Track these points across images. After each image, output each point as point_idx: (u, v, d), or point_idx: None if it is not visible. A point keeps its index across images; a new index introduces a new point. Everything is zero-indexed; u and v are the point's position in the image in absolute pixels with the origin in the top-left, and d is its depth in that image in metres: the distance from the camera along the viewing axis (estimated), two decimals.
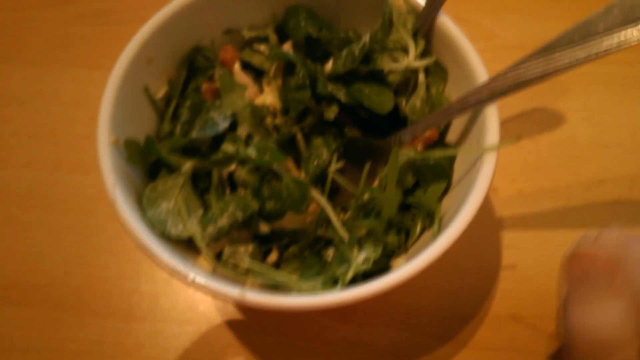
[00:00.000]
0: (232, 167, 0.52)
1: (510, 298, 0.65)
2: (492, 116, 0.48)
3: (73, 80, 0.81)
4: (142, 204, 0.49)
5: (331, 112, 0.58)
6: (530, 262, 0.68)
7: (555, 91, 0.80)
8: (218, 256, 0.54)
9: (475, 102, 0.48)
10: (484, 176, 0.46)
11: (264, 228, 0.53)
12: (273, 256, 0.55)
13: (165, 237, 0.48)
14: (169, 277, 0.66)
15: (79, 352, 0.63)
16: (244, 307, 0.64)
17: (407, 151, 0.51)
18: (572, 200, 0.71)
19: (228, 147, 0.53)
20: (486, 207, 0.71)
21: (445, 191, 0.53)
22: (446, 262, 0.45)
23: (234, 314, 0.64)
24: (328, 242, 0.55)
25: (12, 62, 0.82)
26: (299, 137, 0.59)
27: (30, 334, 0.64)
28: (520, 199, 0.71)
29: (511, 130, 0.76)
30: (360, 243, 0.49)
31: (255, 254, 0.54)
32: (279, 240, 0.55)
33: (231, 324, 0.64)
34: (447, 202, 0.51)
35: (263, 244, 0.57)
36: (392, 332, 0.63)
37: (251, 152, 0.51)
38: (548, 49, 0.43)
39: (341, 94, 0.56)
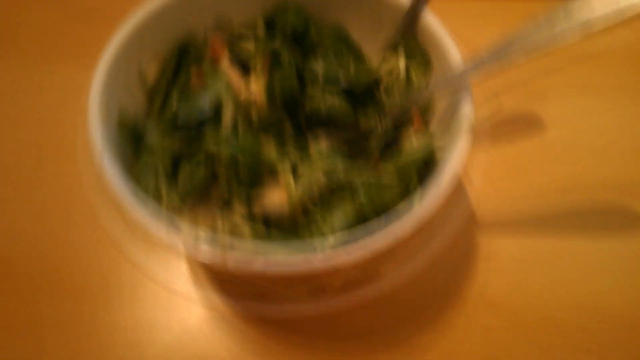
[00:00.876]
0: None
1: (487, 286, 0.66)
2: (466, 99, 0.51)
3: (59, 78, 0.82)
4: (134, 173, 0.51)
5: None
6: (507, 257, 0.69)
7: (533, 97, 0.83)
8: None
9: (450, 84, 0.51)
10: (457, 148, 0.48)
11: (238, 212, 0.55)
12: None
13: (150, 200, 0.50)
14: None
15: (55, 329, 0.62)
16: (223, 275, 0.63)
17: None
18: (548, 200, 0.73)
19: (209, 141, 0.55)
20: (466, 206, 0.73)
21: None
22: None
23: (215, 300, 0.65)
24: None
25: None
26: (287, 125, 0.61)
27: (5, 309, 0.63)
28: (499, 200, 0.73)
29: (493, 134, 0.79)
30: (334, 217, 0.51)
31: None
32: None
33: (212, 313, 0.64)
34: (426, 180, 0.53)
35: None
36: (369, 314, 0.63)
37: (232, 147, 0.53)
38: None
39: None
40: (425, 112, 0.58)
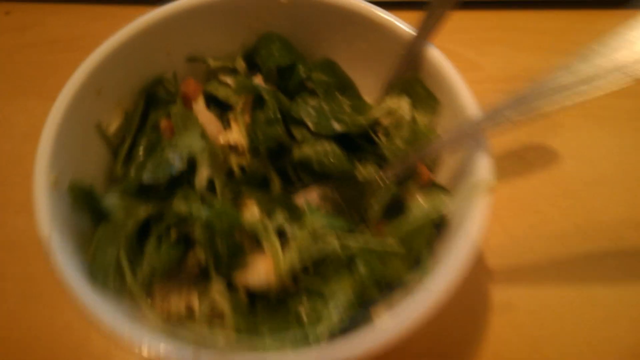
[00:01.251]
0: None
1: (503, 343, 0.59)
2: (483, 152, 0.43)
3: (24, 111, 0.74)
4: (90, 248, 0.43)
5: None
6: (523, 310, 0.62)
7: (547, 128, 0.76)
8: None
9: (464, 135, 0.43)
10: (476, 217, 0.40)
11: (217, 287, 0.47)
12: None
13: (109, 291, 0.42)
14: None
15: None
16: None
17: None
18: (564, 241, 0.66)
19: (180, 206, 0.46)
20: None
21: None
22: None
23: None
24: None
25: None
26: (274, 176, 0.53)
27: None
28: (511, 241, 0.66)
29: (503, 168, 0.72)
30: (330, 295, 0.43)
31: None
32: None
33: None
34: (437, 247, 0.46)
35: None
36: None
37: (207, 214, 0.45)
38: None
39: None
40: (432, 163, 0.51)
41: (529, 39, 0.85)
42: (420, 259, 0.44)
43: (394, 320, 0.37)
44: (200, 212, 0.44)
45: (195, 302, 0.46)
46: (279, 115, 0.51)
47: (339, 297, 0.43)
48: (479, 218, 0.40)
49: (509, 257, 0.64)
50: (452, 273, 0.38)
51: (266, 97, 0.52)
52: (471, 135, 0.43)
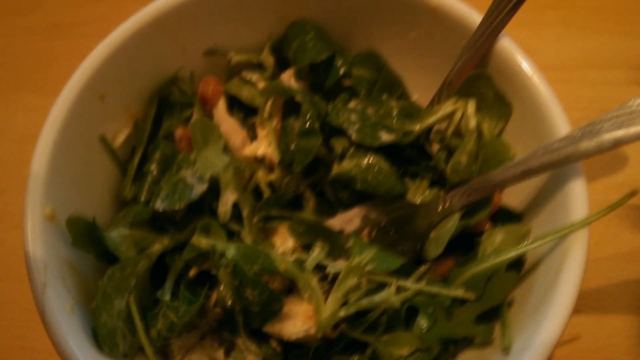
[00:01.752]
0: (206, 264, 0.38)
1: None
2: (578, 185, 0.34)
3: (23, 109, 0.66)
4: (95, 301, 0.35)
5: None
6: (590, 337, 0.54)
7: None
8: None
9: (553, 159, 0.35)
10: (572, 268, 0.32)
11: (246, 342, 0.39)
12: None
13: (118, 355, 0.34)
14: None
15: None
16: None
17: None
18: (631, 257, 0.57)
19: (201, 242, 0.39)
20: None
21: None
22: None
23: None
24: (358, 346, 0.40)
25: None
26: (308, 195, 0.45)
27: None
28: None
29: None
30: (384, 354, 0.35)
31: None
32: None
33: None
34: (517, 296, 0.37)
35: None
36: None
37: (234, 255, 0.37)
38: None
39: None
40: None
41: (589, 20, 0.74)
42: (498, 313, 0.36)
43: None
44: (226, 250, 0.36)
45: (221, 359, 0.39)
46: (316, 125, 0.42)
47: (393, 356, 0.35)
48: (577, 261, 0.32)
49: None
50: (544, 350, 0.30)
51: (301, 101, 0.43)
52: (562, 159, 0.34)
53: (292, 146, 0.43)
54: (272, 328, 0.38)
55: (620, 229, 0.58)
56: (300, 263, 0.38)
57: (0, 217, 0.60)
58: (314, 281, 0.38)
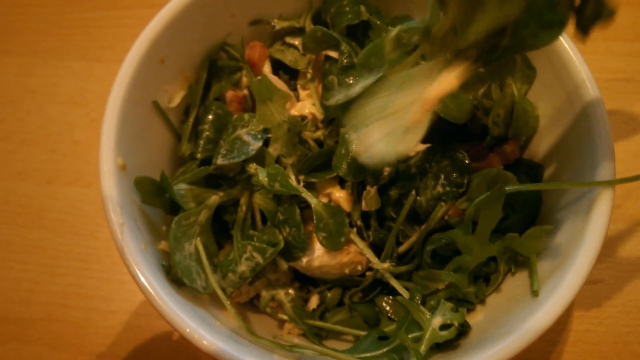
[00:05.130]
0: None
1: (585, 342, 0.55)
2: (603, 149, 0.37)
3: (71, 75, 0.70)
4: (169, 244, 0.39)
5: None
6: (609, 299, 0.57)
7: (631, 92, 0.68)
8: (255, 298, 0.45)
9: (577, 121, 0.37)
10: (597, 221, 0.35)
11: (283, 266, 0.43)
12: (314, 302, 0.45)
13: (192, 289, 0.39)
14: None
15: None
16: None
17: (513, 184, 0.40)
18: None
19: (251, 167, 0.43)
20: None
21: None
22: None
23: None
24: (384, 285, 0.44)
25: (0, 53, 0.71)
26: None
27: None
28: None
29: None
30: (426, 300, 0.39)
31: (297, 299, 0.44)
32: (317, 283, 0.45)
33: None
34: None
35: (303, 285, 0.47)
36: None
37: (262, 178, 0.41)
38: None
39: None
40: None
41: None
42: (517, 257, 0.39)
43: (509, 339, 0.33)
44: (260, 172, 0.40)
45: (263, 292, 0.43)
46: (354, 60, 0.44)
47: (435, 302, 0.38)
48: (601, 221, 0.35)
49: None
50: (571, 289, 0.34)
51: (339, 41, 0.45)
52: (587, 121, 0.37)
53: (333, 101, 0.46)
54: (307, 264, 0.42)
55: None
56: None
57: (53, 175, 0.64)
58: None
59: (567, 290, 0.34)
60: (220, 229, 0.45)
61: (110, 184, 0.37)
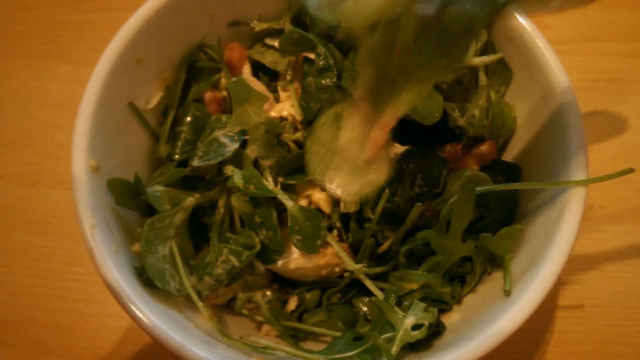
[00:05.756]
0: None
1: (567, 342, 0.55)
2: (578, 147, 0.37)
3: (55, 77, 0.70)
4: (140, 246, 0.39)
5: None
6: (592, 300, 0.57)
7: (616, 92, 0.68)
8: (233, 300, 0.44)
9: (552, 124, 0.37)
10: (569, 221, 0.35)
11: (260, 268, 0.43)
12: (292, 303, 0.45)
13: (166, 292, 0.38)
14: None
15: None
16: None
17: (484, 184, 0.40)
18: (635, 221, 0.60)
19: (228, 168, 0.43)
20: None
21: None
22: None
23: None
24: (362, 286, 0.44)
25: None
26: None
27: None
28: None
29: None
30: (402, 300, 0.39)
31: (274, 300, 0.44)
32: (297, 285, 0.45)
33: None
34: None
35: (282, 287, 0.47)
36: None
37: (237, 180, 0.41)
38: None
39: None
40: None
41: None
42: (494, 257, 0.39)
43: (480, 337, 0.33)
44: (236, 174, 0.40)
45: (240, 294, 0.43)
46: (331, 62, 0.44)
47: (409, 301, 0.38)
48: (572, 220, 0.35)
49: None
50: (543, 287, 0.34)
51: (315, 43, 0.45)
52: (561, 121, 0.37)
53: (312, 103, 0.46)
54: (283, 266, 0.42)
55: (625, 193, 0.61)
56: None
57: (37, 178, 0.63)
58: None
59: (538, 290, 0.34)
60: (198, 231, 0.45)
61: (82, 186, 0.37)
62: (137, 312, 0.34)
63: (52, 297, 0.58)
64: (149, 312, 0.34)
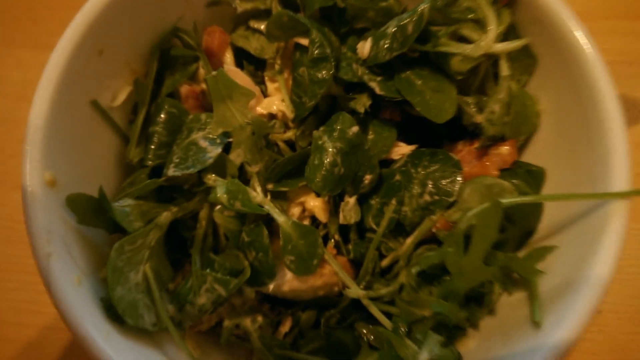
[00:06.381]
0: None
1: (583, 352, 0.50)
2: (619, 147, 0.31)
3: (17, 65, 0.63)
4: (107, 277, 0.33)
5: (359, 104, 0.40)
6: (609, 305, 0.52)
7: (634, 75, 0.63)
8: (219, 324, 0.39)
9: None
10: (611, 242, 0.30)
11: (249, 294, 0.38)
12: (286, 325, 0.40)
13: (140, 328, 0.33)
14: None
15: None
16: None
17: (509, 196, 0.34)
18: None
19: (209, 178, 0.37)
20: None
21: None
22: None
23: None
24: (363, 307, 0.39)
25: None
26: None
27: None
28: None
29: None
30: (411, 329, 0.34)
31: (265, 326, 0.39)
32: (290, 305, 0.40)
33: None
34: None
35: (274, 306, 0.41)
36: None
37: (220, 195, 0.35)
38: None
39: (375, 84, 0.39)
40: None
41: None
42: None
43: None
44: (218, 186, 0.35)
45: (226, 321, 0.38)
46: (327, 51, 0.37)
47: (415, 316, 0.33)
48: (616, 246, 0.30)
49: None
50: (579, 321, 0.28)
51: (309, 29, 0.39)
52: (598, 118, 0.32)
53: (305, 98, 0.40)
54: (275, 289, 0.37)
55: None
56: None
57: (0, 179, 0.58)
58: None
59: (574, 323, 0.29)
60: (177, 245, 0.40)
61: (35, 206, 0.31)
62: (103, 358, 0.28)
63: (22, 311, 0.53)
64: (118, 356, 0.29)
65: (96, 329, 0.30)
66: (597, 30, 0.64)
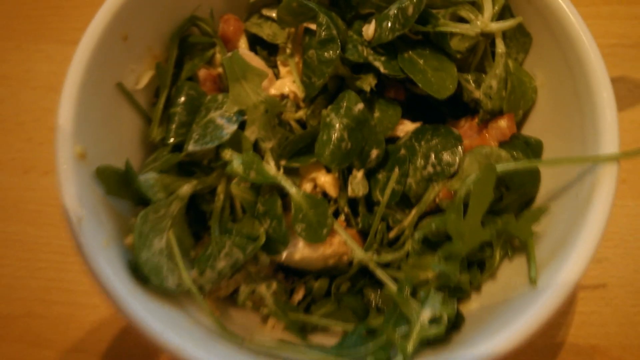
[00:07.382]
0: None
1: (590, 324, 0.52)
2: (608, 114, 0.33)
3: (45, 59, 0.66)
4: (133, 240, 0.36)
5: (366, 83, 0.42)
6: (615, 278, 0.54)
7: (637, 58, 0.64)
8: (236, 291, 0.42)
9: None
10: (600, 201, 0.32)
11: (265, 260, 0.41)
12: (299, 293, 0.43)
13: (163, 290, 0.36)
14: None
15: None
16: None
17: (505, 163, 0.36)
18: None
19: (226, 153, 0.40)
20: None
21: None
22: None
23: None
24: (371, 274, 0.42)
25: None
26: None
27: None
28: None
29: None
30: (416, 291, 0.36)
31: (280, 292, 0.41)
32: (304, 273, 0.42)
33: None
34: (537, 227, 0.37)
35: (288, 276, 0.44)
36: None
37: (236, 166, 0.37)
38: None
39: (379, 63, 0.41)
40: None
41: None
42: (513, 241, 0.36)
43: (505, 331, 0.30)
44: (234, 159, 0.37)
45: (242, 286, 0.40)
46: (334, 32, 0.40)
47: (425, 292, 0.35)
48: (605, 208, 0.31)
49: None
50: (574, 275, 0.30)
51: (317, 12, 0.41)
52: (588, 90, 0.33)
53: (315, 78, 0.42)
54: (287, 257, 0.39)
55: None
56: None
57: (29, 165, 0.61)
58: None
59: (567, 278, 0.31)
60: (197, 219, 0.42)
61: (67, 174, 0.34)
62: (132, 313, 0.31)
63: (50, 289, 0.56)
64: (144, 313, 0.32)
65: (125, 287, 0.32)
66: (600, 13, 0.66)
